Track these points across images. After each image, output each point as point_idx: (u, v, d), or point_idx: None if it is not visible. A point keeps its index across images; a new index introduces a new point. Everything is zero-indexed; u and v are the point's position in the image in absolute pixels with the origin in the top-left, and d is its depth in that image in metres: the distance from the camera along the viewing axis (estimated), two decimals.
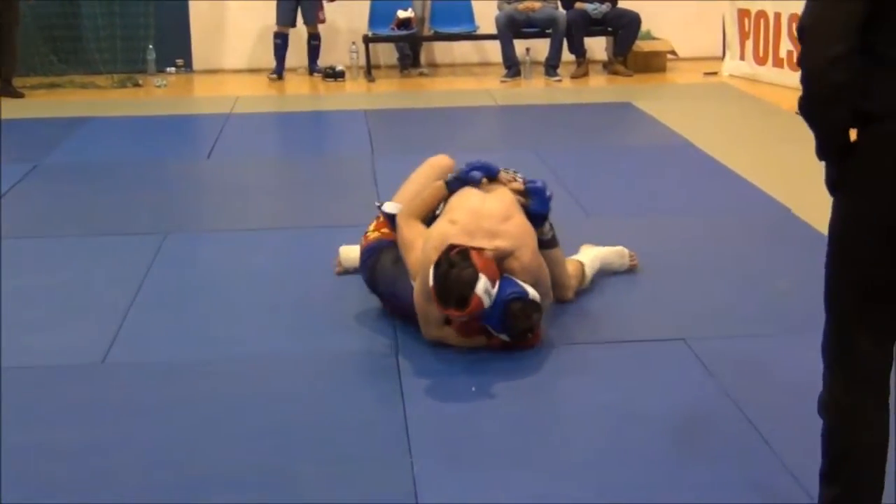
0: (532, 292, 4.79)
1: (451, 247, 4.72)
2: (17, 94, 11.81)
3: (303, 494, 3.80)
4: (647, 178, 8.06)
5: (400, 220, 5.19)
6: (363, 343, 5.05)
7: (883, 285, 2.95)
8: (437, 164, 5.58)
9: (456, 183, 5.19)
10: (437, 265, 4.65)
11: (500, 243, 4.86)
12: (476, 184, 5.16)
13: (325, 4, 12.58)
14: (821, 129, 2.90)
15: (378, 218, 5.46)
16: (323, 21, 12.65)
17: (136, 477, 3.93)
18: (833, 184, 2.98)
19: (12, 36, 11.74)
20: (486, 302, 4.64)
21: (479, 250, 4.73)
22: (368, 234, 5.43)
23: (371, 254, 5.31)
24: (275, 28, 12.61)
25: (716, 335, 5.03)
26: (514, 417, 4.36)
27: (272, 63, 12.79)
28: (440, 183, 5.24)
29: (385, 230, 5.37)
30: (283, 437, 4.21)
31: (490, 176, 5.24)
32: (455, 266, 4.61)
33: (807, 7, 2.86)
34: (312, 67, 12.90)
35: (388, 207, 5.41)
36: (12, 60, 11.85)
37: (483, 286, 4.62)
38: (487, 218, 4.96)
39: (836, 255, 3.00)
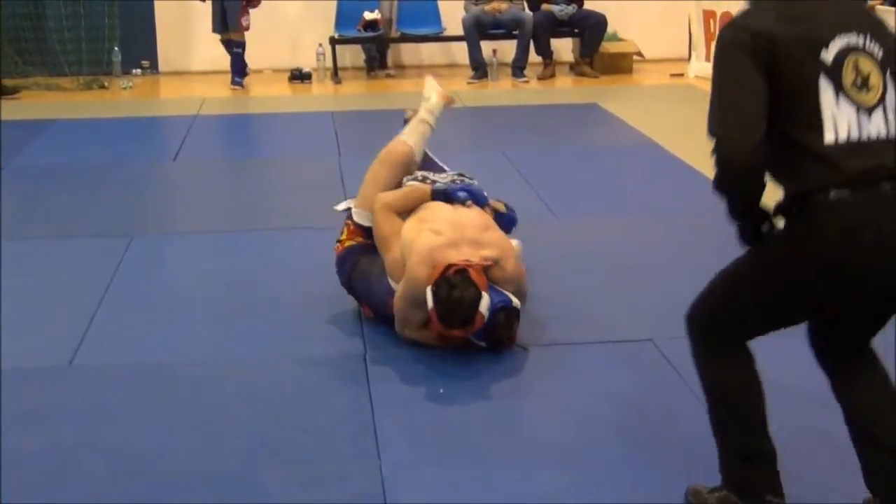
0: (514, 300, 4.82)
1: (448, 266, 4.67)
2: (10, 91, 11.72)
3: (270, 496, 3.80)
4: (613, 178, 8.10)
5: (379, 212, 5.14)
6: (332, 345, 5.05)
7: (792, 322, 3.38)
8: (398, 155, 5.52)
9: (440, 196, 5.16)
10: (437, 287, 4.62)
11: (486, 252, 4.85)
12: (460, 203, 5.13)
13: (251, 11, 12.08)
14: (740, 202, 3.32)
15: (349, 226, 5.41)
16: (247, 28, 12.09)
17: (100, 480, 3.91)
18: (751, 240, 3.33)
19: None
20: (488, 316, 4.66)
21: (476, 267, 4.71)
22: (343, 241, 5.38)
23: (347, 259, 5.29)
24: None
25: (683, 335, 5.03)
26: (481, 418, 4.37)
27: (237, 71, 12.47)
28: (427, 189, 5.21)
29: (359, 238, 5.33)
30: (250, 439, 4.21)
31: (478, 202, 5.19)
32: (457, 287, 4.60)
33: (713, 103, 3.33)
34: (234, 78, 12.30)
35: (359, 217, 5.35)
36: None
37: (485, 303, 4.63)
38: (468, 228, 4.95)
39: (753, 297, 3.33)
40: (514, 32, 12.60)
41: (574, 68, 13.06)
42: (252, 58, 12.79)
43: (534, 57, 12.72)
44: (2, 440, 4.17)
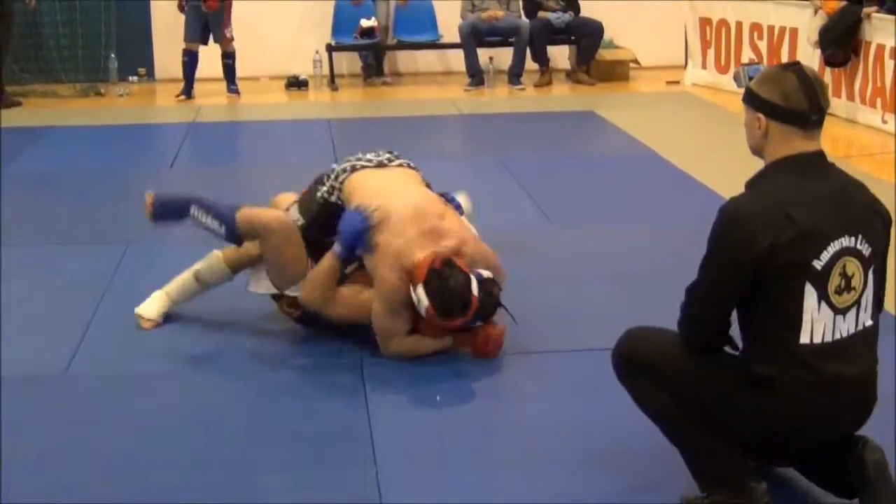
0: (486, 272, 4.85)
1: (433, 260, 4.67)
2: (13, 103, 11.74)
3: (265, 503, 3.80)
4: (610, 186, 8.10)
5: (324, 308, 4.94)
6: (328, 351, 5.04)
7: None
8: (281, 228, 5.09)
9: (347, 254, 4.93)
10: (429, 282, 4.62)
11: (448, 242, 4.86)
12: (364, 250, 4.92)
13: (231, 23, 11.91)
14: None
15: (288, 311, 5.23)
16: (231, 39, 11.96)
17: (96, 487, 3.90)
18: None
19: (6, 42, 11.68)
20: (479, 298, 4.69)
21: (452, 255, 4.75)
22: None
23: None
24: (183, 45, 11.95)
25: None
26: (478, 425, 4.38)
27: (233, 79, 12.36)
28: (332, 258, 4.92)
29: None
30: (246, 446, 4.21)
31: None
32: (449, 277, 4.62)
33: (689, 291, 3.50)
34: (230, 87, 12.22)
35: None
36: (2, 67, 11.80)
37: (475, 287, 4.67)
38: (427, 218, 4.91)
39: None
40: (511, 40, 12.61)
41: (571, 76, 13.07)
42: (249, 65, 12.81)
43: (530, 64, 12.73)
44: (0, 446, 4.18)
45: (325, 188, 5.19)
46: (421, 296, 4.65)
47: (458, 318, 4.70)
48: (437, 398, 4.58)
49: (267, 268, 5.15)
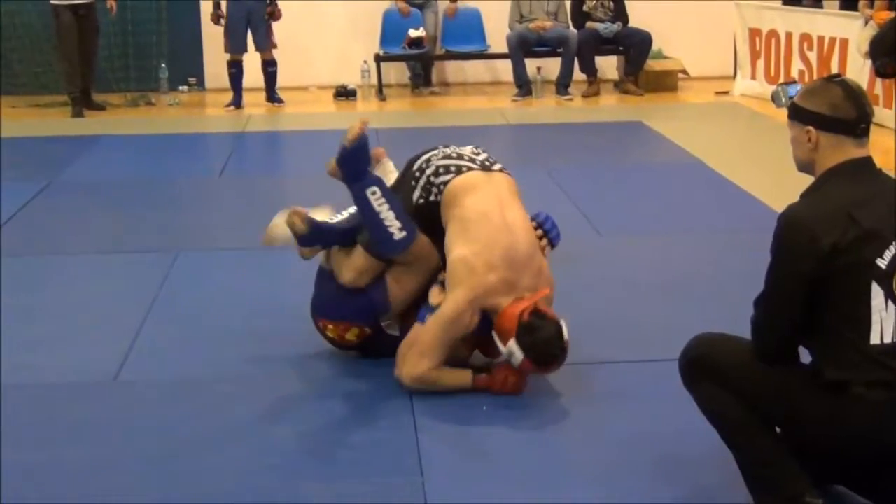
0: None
1: (521, 313, 4.51)
2: (99, 107, 12.01)
3: None
4: (658, 196, 8.07)
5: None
6: (375, 362, 5.03)
7: None
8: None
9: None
10: (520, 339, 4.47)
11: (541, 292, 4.69)
12: None
13: (275, 27, 12.12)
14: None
15: (366, 329, 4.94)
16: (275, 46, 12.14)
17: (145, 494, 3.93)
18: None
19: (92, 49, 11.91)
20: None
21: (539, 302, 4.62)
22: (346, 337, 4.98)
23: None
24: (227, 56, 12.11)
25: None
26: (524, 437, 4.36)
27: (284, 81, 12.61)
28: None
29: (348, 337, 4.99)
30: (292, 455, 4.22)
31: None
32: (540, 329, 4.50)
33: (757, 303, 3.51)
34: (271, 95, 12.37)
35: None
36: (91, 73, 12.00)
37: (566, 330, 4.58)
38: (523, 263, 4.67)
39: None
40: (559, 50, 12.60)
41: (619, 86, 13.04)
42: (298, 75, 12.90)
43: (578, 75, 12.71)
44: (41, 453, 4.21)
45: (419, 188, 4.90)
46: (514, 350, 4.50)
47: (556, 365, 4.60)
48: (484, 408, 4.57)
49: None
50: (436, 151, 5.03)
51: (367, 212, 4.77)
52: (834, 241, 3.29)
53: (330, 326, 4.98)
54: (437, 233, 4.81)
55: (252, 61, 12.18)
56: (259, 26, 11.96)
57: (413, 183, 4.94)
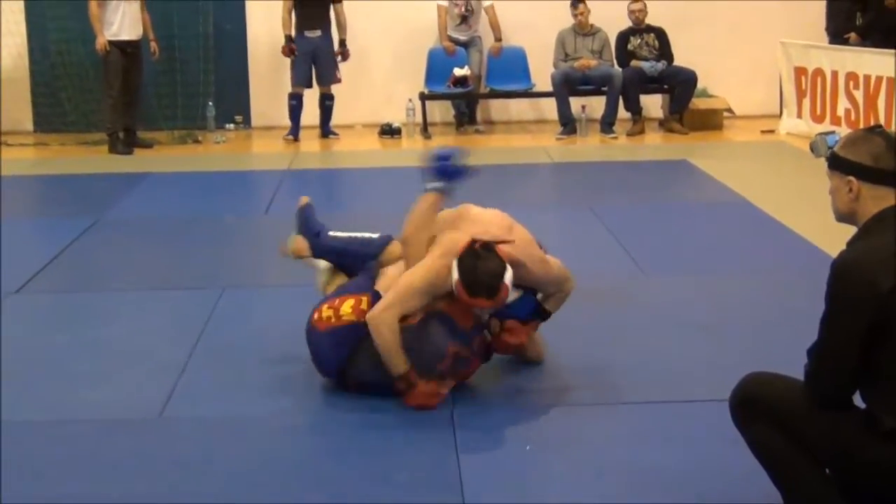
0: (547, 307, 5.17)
1: (473, 241, 4.79)
2: (146, 145, 12.20)
3: None
4: (704, 235, 8.04)
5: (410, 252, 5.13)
6: None
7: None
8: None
9: (446, 181, 5.23)
10: (463, 259, 4.73)
11: (510, 250, 4.88)
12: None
13: (340, 65, 12.56)
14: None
15: (362, 297, 5.09)
16: (339, 81, 12.57)
17: None
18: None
19: (137, 88, 12.09)
20: (511, 292, 4.77)
21: (500, 245, 4.82)
22: (341, 313, 5.05)
23: (347, 339, 5.01)
24: (290, 89, 12.58)
25: None
26: (567, 475, 4.34)
27: (329, 122, 12.85)
28: (430, 196, 5.21)
29: (364, 308, 5.04)
30: (336, 492, 4.22)
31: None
32: (482, 258, 4.72)
33: (811, 351, 3.47)
34: (325, 129, 12.78)
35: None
36: (135, 111, 12.17)
37: (509, 277, 4.73)
38: (491, 225, 5.06)
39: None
40: (604, 88, 12.61)
41: (663, 124, 13.02)
42: (343, 113, 12.97)
43: (623, 113, 12.71)
44: (86, 488, 4.23)
45: None
46: (454, 270, 4.75)
47: (483, 300, 4.74)
48: (528, 448, 4.56)
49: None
50: None
51: (341, 244, 5.55)
52: (892, 285, 3.26)
53: (325, 306, 5.12)
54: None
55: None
56: (325, 62, 12.42)
57: None
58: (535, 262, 5.07)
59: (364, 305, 5.01)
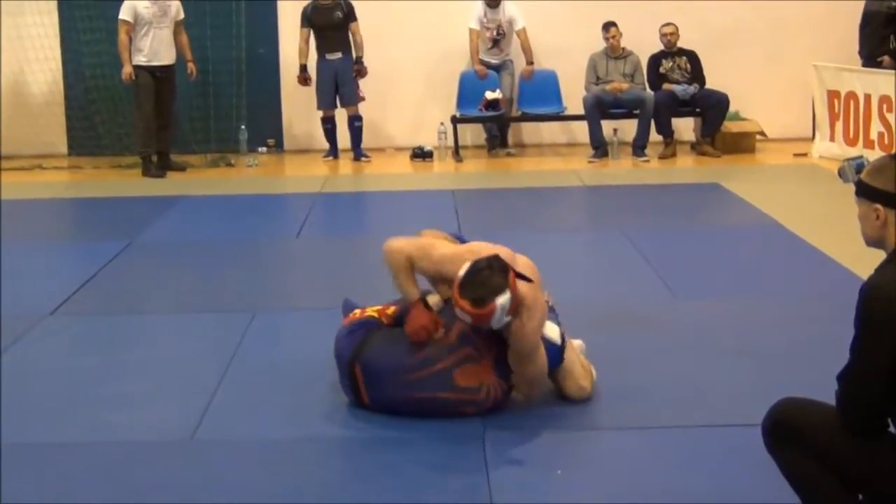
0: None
1: (498, 256, 4.81)
2: (179, 168, 12.30)
3: None
4: (735, 259, 8.01)
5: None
6: (450, 423, 5.00)
7: None
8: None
9: None
10: (476, 261, 4.76)
11: (524, 288, 4.87)
12: None
13: (360, 82, 12.68)
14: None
15: (387, 307, 5.36)
16: (363, 99, 12.72)
17: None
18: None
19: (170, 112, 12.19)
20: (498, 317, 4.72)
21: (518, 277, 4.81)
22: (366, 311, 5.35)
23: (360, 329, 5.21)
24: (320, 113, 12.78)
25: None
26: (598, 499, 4.32)
27: (360, 144, 12.94)
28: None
29: (386, 321, 5.27)
30: None
31: None
32: (492, 269, 4.72)
33: (842, 377, 3.45)
34: (357, 152, 12.82)
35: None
36: (168, 135, 12.27)
37: (504, 301, 4.70)
38: (520, 265, 5.03)
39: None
40: (635, 111, 12.60)
41: (695, 147, 13.00)
42: (374, 136, 13.04)
43: (654, 136, 12.70)
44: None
45: None
46: (464, 266, 4.80)
47: (468, 304, 4.72)
48: (559, 472, 4.55)
49: None
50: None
51: None
52: None
53: (357, 311, 5.34)
54: None
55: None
56: (346, 83, 12.54)
57: None
58: (531, 315, 4.92)
59: (390, 311, 5.27)
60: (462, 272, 4.77)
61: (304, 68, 12.62)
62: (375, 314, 5.29)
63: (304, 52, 12.60)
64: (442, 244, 5.24)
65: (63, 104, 13.38)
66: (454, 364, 4.93)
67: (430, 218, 9.70)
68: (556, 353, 5.11)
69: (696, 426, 4.99)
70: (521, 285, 4.84)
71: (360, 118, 12.74)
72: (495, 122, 13.19)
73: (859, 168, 3.60)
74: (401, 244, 5.22)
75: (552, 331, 5.08)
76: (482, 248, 5.03)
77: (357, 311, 5.37)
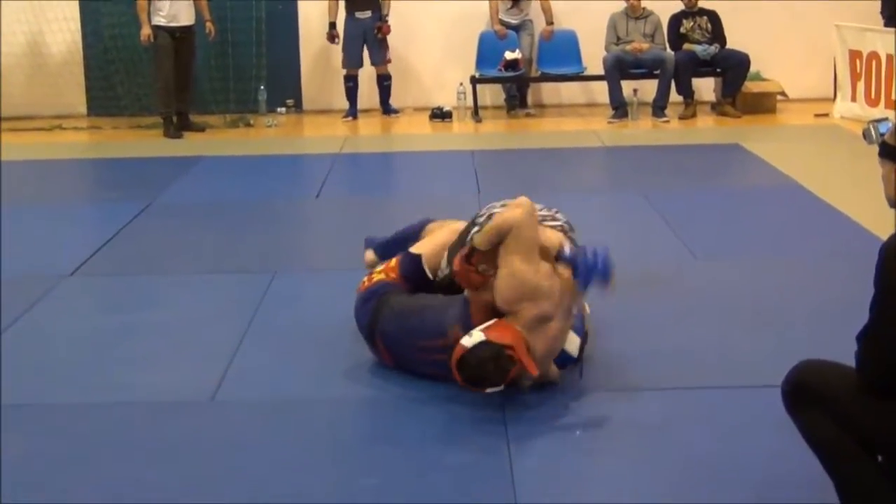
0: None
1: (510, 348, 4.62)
2: (198, 128, 12.32)
3: None
4: (756, 220, 7.99)
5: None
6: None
7: None
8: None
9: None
10: (488, 348, 4.57)
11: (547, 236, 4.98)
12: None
13: (391, 43, 12.74)
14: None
15: (392, 259, 5.45)
16: (390, 61, 12.76)
17: None
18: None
19: (189, 72, 12.21)
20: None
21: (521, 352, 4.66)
22: (373, 275, 5.38)
23: (373, 296, 5.22)
24: (341, 73, 12.84)
25: None
26: (618, 462, 4.34)
27: (379, 104, 13.00)
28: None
29: (393, 274, 5.31)
30: (386, 476, 4.22)
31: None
32: (495, 363, 4.58)
33: (861, 337, 3.43)
34: (386, 108, 13.04)
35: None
36: (187, 96, 12.28)
37: (495, 390, 4.63)
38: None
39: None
40: (656, 72, 12.54)
41: (716, 108, 12.93)
42: (394, 97, 13.01)
43: (675, 96, 12.63)
44: (137, 471, 4.27)
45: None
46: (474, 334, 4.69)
47: (461, 380, 4.65)
48: (577, 433, 4.56)
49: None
50: (495, 202, 5.47)
51: (390, 236, 6.06)
52: None
53: (365, 278, 5.39)
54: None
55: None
56: (374, 43, 12.58)
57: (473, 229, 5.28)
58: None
59: (392, 264, 5.36)
60: (469, 345, 4.61)
61: (332, 25, 12.62)
62: (383, 276, 5.31)
63: (333, 10, 12.59)
64: (531, 258, 4.86)
65: (82, 64, 13.39)
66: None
67: (450, 179, 9.73)
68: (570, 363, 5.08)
69: (716, 387, 4.98)
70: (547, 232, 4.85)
71: (388, 77, 12.83)
72: (514, 83, 13.15)
73: (885, 130, 3.55)
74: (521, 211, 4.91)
75: (571, 343, 5.03)
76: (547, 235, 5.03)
77: (365, 279, 5.38)
